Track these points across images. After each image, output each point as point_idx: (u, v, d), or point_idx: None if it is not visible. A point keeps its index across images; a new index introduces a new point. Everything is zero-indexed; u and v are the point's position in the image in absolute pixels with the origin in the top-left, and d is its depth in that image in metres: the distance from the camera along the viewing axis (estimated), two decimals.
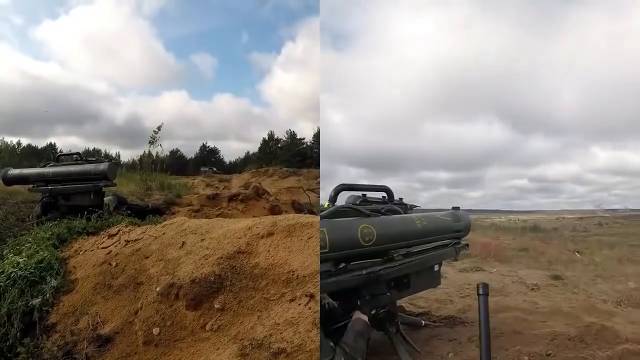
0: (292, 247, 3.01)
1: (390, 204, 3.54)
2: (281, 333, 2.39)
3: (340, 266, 2.51)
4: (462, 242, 3.99)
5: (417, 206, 4.02)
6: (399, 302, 4.02)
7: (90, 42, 79.12)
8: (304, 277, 2.73)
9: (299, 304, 2.55)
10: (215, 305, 2.80)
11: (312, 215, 3.59)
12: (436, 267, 3.65)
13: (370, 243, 2.75)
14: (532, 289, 6.65)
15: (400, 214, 3.47)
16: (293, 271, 2.79)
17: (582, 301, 5.85)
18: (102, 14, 79.39)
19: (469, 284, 6.67)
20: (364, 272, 2.66)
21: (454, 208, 4.17)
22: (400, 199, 3.84)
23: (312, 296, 2.56)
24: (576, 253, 11.22)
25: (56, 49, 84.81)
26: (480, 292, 1.55)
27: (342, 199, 3.22)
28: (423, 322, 4.06)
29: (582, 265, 9.23)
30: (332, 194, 2.96)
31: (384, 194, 3.60)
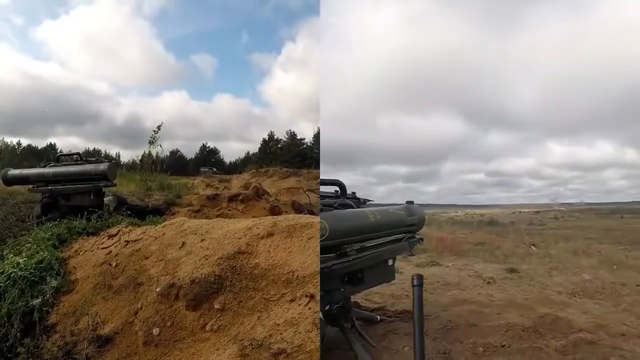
0: (292, 247, 3.01)
1: (343, 198, 3.53)
2: (281, 333, 2.39)
3: None
4: (416, 236, 4.02)
5: (370, 200, 4.09)
6: (354, 298, 4.18)
7: (90, 42, 79.27)
8: (304, 277, 2.73)
9: (299, 305, 2.55)
10: (215, 306, 2.80)
11: (312, 216, 3.58)
12: (390, 262, 3.66)
13: (323, 238, 2.74)
14: (488, 282, 6.71)
15: (353, 208, 3.48)
16: (293, 271, 2.79)
17: (537, 293, 5.94)
18: (102, 14, 79.49)
19: (424, 278, 6.66)
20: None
21: (407, 202, 4.17)
22: (353, 193, 3.84)
23: (312, 296, 2.56)
24: (532, 246, 11.36)
25: (56, 49, 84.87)
26: (415, 283, 1.57)
27: None
28: (378, 317, 4.08)
29: (537, 258, 9.37)
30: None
31: (337, 188, 3.58)
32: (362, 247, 3.18)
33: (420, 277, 1.57)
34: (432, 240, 10.92)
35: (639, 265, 8.21)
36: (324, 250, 2.78)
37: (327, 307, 2.71)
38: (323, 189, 3.48)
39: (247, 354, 2.35)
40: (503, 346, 3.43)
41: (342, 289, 2.97)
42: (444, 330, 3.77)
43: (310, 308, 2.49)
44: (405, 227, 3.91)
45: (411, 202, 4.17)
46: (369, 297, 5.08)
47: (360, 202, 3.89)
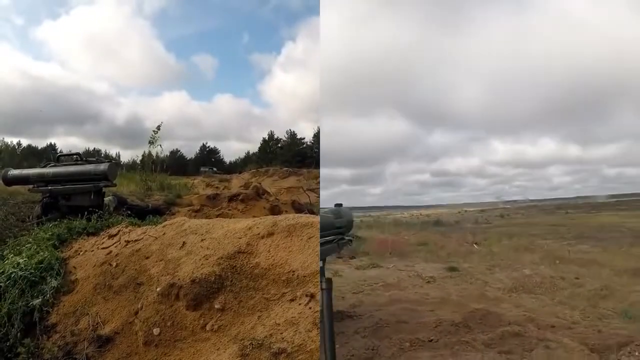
0: (292, 247, 3.01)
1: None
2: (281, 333, 2.39)
3: None
4: (345, 237, 4.23)
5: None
6: None
7: (90, 42, 79.24)
8: (304, 277, 2.73)
9: (300, 304, 2.55)
10: (216, 306, 2.80)
11: (312, 215, 3.59)
12: (321, 264, 3.88)
13: None
14: (428, 281, 6.78)
15: None
16: (293, 271, 2.79)
17: (473, 290, 6.01)
18: (102, 14, 79.46)
19: (364, 280, 6.84)
20: None
21: (336, 205, 4.37)
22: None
23: (312, 296, 2.56)
24: (474, 245, 11.33)
25: (57, 49, 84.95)
26: (324, 287, 1.65)
27: None
28: None
29: (479, 257, 9.44)
30: None
31: None
32: None
33: (329, 281, 1.64)
34: (374, 243, 10.98)
35: (581, 259, 8.29)
36: None
37: None
38: None
39: (247, 354, 2.35)
40: (430, 341, 3.55)
41: None
42: (375, 328, 3.86)
43: (310, 307, 2.49)
44: (334, 230, 4.14)
45: (340, 205, 4.36)
46: None
47: None
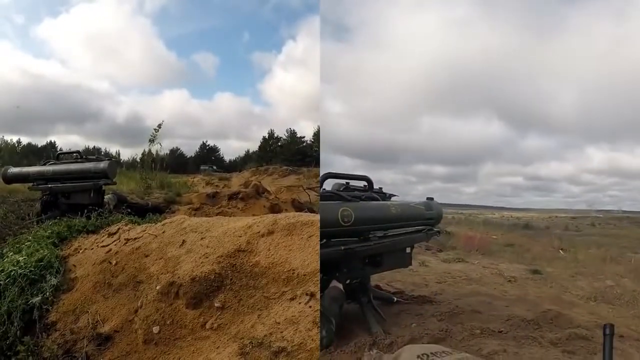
0: (293, 245, 3.00)
1: (370, 192, 3.89)
2: (281, 332, 2.39)
3: (322, 242, 2.91)
4: (434, 229, 4.47)
5: (395, 195, 4.40)
6: (377, 282, 4.77)
7: (91, 40, 78.90)
8: (304, 275, 2.72)
9: (300, 303, 2.55)
10: (216, 304, 2.80)
11: (312, 214, 3.59)
12: (408, 249, 4.18)
13: (349, 224, 3.16)
14: (509, 280, 6.85)
15: (378, 200, 3.90)
16: (293, 270, 2.79)
17: (551, 293, 6.05)
18: (103, 13, 79.25)
19: (448, 272, 7.03)
20: (342, 247, 3.18)
21: (428, 198, 4.59)
22: (380, 188, 4.18)
23: (312, 295, 2.55)
24: (560, 250, 11.31)
25: (57, 48, 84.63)
26: (607, 332, 1.49)
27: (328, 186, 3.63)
28: (395, 298, 4.45)
29: (564, 262, 9.38)
30: (319, 181, 3.35)
31: (365, 183, 3.95)
32: (384, 234, 3.70)
33: (611, 327, 1.48)
34: (462, 239, 11.22)
35: None
36: (349, 234, 3.35)
37: (347, 282, 3.12)
38: (353, 183, 3.90)
39: (247, 353, 2.34)
40: (500, 332, 3.64)
41: (361, 268, 3.50)
42: (451, 314, 4.02)
43: (310, 306, 2.48)
44: (423, 220, 4.32)
45: (431, 199, 4.60)
46: (391, 284, 5.47)
47: (385, 197, 4.19)
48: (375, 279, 4.72)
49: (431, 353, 1.54)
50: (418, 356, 1.53)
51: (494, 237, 13.53)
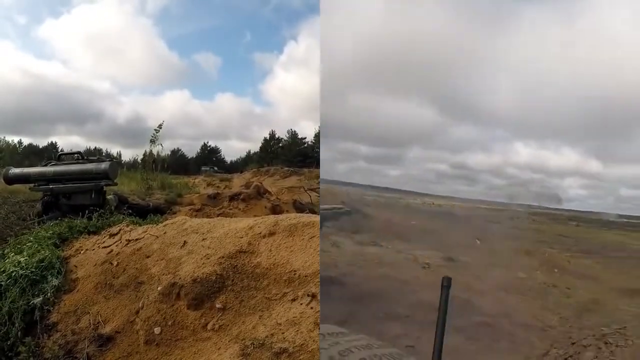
0: (294, 246, 3.00)
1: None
2: (283, 333, 2.38)
3: None
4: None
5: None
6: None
7: (92, 41, 79.35)
8: (305, 276, 2.72)
9: (301, 304, 2.54)
10: (217, 305, 2.80)
11: (313, 215, 3.58)
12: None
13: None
14: (423, 267, 6.89)
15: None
16: (295, 271, 2.78)
17: (463, 280, 6.02)
18: (104, 13, 79.59)
19: (361, 255, 7.07)
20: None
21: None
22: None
23: (313, 296, 2.55)
24: (477, 240, 11.32)
25: (58, 48, 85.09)
26: (444, 284, 1.61)
27: None
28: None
29: (480, 252, 9.37)
30: None
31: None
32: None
33: (449, 279, 1.60)
34: (380, 222, 11.14)
35: (579, 272, 8.28)
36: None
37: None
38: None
39: (248, 354, 2.34)
40: (406, 317, 3.79)
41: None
42: (358, 297, 4.17)
43: (312, 307, 2.48)
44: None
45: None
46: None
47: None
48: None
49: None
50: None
51: (413, 222, 13.45)
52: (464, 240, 11.03)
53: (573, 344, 3.80)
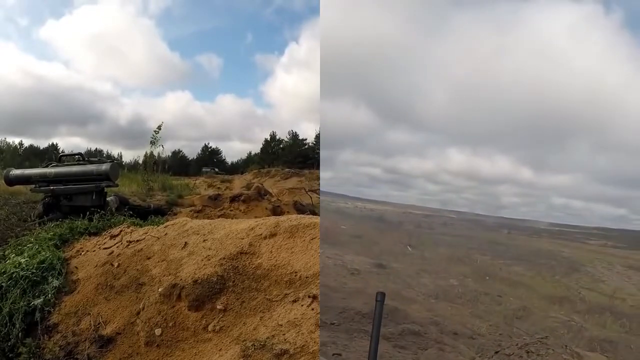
0: (295, 248, 2.99)
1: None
2: (284, 334, 2.37)
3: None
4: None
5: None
6: None
7: (94, 42, 79.62)
8: (306, 278, 2.72)
9: (302, 305, 2.54)
10: (218, 306, 2.79)
11: (314, 216, 3.58)
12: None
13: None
14: (352, 273, 6.78)
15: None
16: (296, 272, 2.78)
17: (394, 289, 6.05)
18: (106, 14, 79.83)
19: None
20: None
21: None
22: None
23: (314, 297, 2.54)
24: (408, 247, 11.20)
25: (60, 49, 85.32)
26: (378, 298, 1.65)
27: None
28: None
29: (411, 259, 9.37)
30: None
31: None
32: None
33: (382, 294, 1.65)
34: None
35: (510, 279, 8.28)
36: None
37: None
38: None
39: (249, 355, 2.33)
40: (332, 324, 3.74)
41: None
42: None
43: (313, 309, 2.47)
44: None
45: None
46: None
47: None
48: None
49: None
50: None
51: (343, 227, 13.22)
52: (395, 246, 10.95)
53: (497, 352, 3.81)
